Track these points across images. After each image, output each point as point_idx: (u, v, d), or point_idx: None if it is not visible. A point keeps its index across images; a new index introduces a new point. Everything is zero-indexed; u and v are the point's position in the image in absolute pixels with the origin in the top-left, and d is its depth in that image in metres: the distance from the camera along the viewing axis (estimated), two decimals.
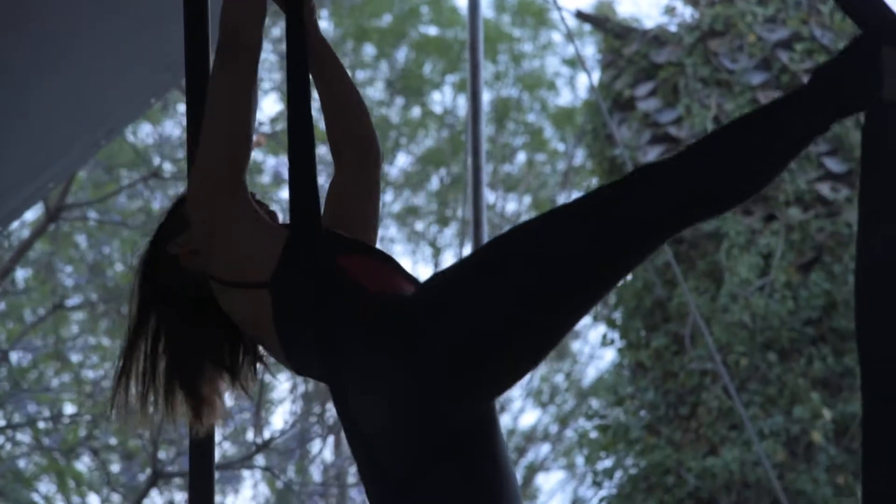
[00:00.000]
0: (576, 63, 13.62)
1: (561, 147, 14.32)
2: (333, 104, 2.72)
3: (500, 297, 2.31)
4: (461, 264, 2.46)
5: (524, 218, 14.36)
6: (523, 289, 2.31)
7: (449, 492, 2.33)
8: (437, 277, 2.47)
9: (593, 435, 9.44)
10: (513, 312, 2.31)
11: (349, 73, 2.75)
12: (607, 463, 9.24)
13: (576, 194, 13.91)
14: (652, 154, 9.27)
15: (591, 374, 13.95)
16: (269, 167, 12.07)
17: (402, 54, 14.16)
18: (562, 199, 14.35)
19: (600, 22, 9.88)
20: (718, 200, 2.31)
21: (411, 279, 2.54)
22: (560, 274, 2.30)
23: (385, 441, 2.36)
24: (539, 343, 2.36)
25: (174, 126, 11.38)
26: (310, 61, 2.63)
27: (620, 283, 8.85)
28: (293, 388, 11.92)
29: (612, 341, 9.41)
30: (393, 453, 2.36)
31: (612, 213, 2.30)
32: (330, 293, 2.43)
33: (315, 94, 2.64)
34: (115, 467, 10.96)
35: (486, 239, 5.67)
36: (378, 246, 2.69)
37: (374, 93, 14.20)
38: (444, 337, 2.33)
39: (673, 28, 9.49)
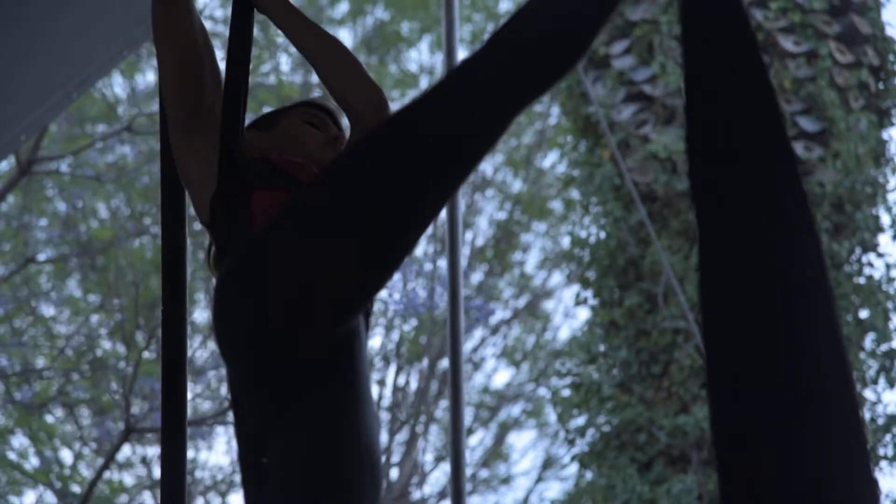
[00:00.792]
0: None
1: (537, 106, 14.29)
2: (320, 68, 2.62)
3: (330, 213, 2.17)
4: (305, 185, 2.41)
5: (499, 179, 14.35)
6: (353, 200, 2.15)
7: (306, 426, 2.25)
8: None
9: (566, 393, 9.47)
10: (342, 229, 2.16)
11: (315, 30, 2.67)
12: (580, 421, 9.28)
13: (551, 154, 13.95)
14: (627, 112, 9.26)
15: (564, 333, 13.99)
16: None
17: (378, 12, 14.08)
18: (537, 158, 14.33)
19: None
20: (548, 65, 2.15)
21: None
22: (398, 176, 2.14)
23: (242, 386, 2.31)
24: (374, 260, 2.19)
25: (147, 79, 11.32)
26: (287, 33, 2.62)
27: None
28: None
29: (586, 300, 9.42)
30: (250, 398, 2.30)
31: (445, 102, 2.13)
32: (233, 233, 2.44)
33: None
34: (86, 422, 10.96)
35: (460, 197, 5.67)
36: None
37: None
38: (275, 265, 2.20)
39: None
